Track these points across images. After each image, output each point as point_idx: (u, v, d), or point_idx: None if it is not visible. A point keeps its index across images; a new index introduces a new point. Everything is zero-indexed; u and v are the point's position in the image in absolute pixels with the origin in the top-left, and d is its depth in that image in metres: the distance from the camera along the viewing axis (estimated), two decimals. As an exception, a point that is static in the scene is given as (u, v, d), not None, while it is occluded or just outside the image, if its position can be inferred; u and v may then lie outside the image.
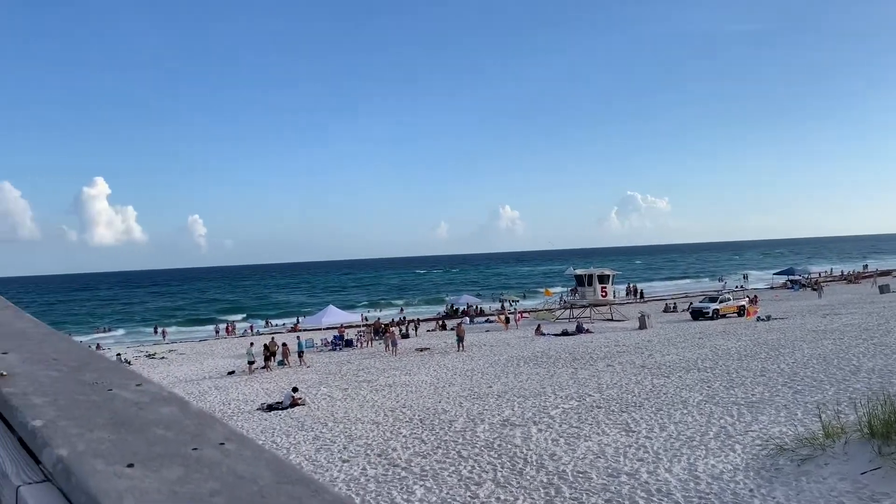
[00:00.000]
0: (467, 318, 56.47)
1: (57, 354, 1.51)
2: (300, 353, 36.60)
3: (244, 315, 78.84)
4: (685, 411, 17.81)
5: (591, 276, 51.60)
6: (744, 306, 46.35)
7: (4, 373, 1.19)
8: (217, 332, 61.36)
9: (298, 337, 41.47)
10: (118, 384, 1.13)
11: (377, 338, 44.22)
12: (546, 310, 56.71)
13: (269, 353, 36.07)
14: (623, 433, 16.25)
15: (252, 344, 39.48)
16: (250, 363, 34.71)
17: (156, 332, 64.73)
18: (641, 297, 71.77)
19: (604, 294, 51.11)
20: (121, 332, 70.33)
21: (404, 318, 60.95)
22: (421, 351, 38.10)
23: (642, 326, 41.85)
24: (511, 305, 65.03)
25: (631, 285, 76.66)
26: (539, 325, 45.34)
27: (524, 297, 76.40)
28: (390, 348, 38.39)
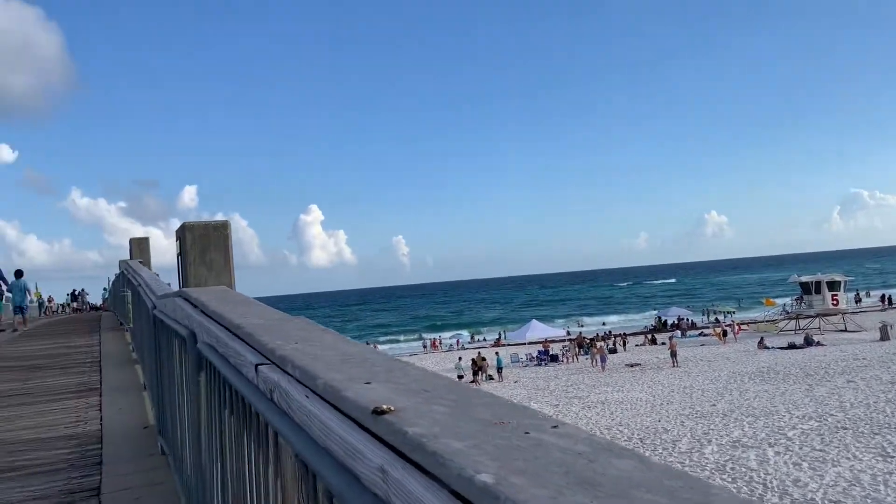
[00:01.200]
0: (678, 332, 53.72)
1: (417, 383, 1.34)
2: (499, 370, 36.73)
3: (453, 332, 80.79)
4: (957, 436, 15.41)
5: (819, 284, 46.99)
6: None
7: (391, 407, 1.01)
8: (425, 346, 63.54)
9: (497, 353, 41.68)
10: (531, 425, 0.90)
11: (582, 352, 43.33)
12: (768, 321, 52.40)
13: (476, 367, 36.56)
14: (879, 458, 14.36)
15: (461, 359, 40.27)
16: (459, 377, 35.36)
17: (368, 347, 68.21)
18: (890, 303, 64.13)
19: (835, 302, 46.31)
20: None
21: (609, 332, 59.31)
22: (631, 366, 36.69)
23: (885, 338, 37.29)
24: (726, 317, 61.00)
25: (886, 294, 68.61)
26: (762, 338, 41.96)
27: (738, 309, 71.37)
28: (598, 363, 37.40)
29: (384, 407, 0.99)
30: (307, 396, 1.54)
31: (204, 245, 5.02)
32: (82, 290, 53.15)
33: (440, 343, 64.03)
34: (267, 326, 2.48)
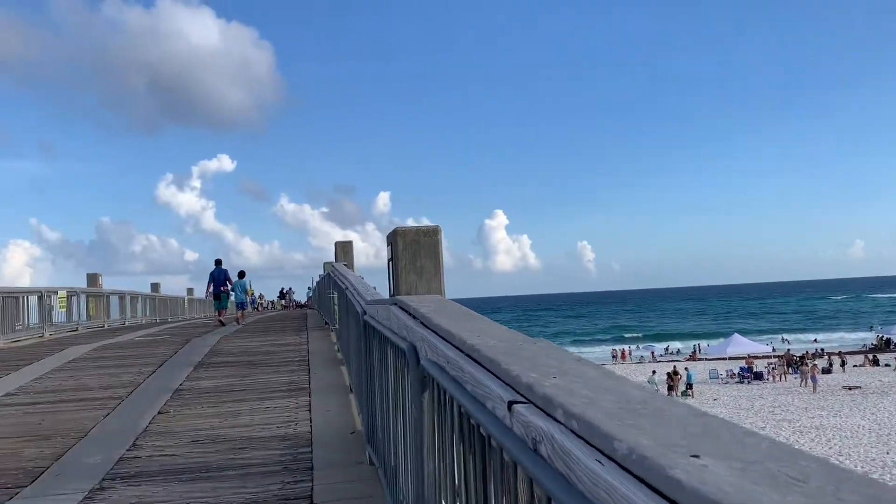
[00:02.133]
0: (905, 353, 47.80)
1: (774, 461, 0.91)
2: (689, 385, 34.53)
3: (644, 343, 77.60)
4: None
5: None
6: None
7: None
8: (613, 356, 61.66)
9: (686, 368, 39.27)
10: None
11: (791, 371, 39.76)
12: None
13: (671, 382, 34.71)
14: None
15: (654, 372, 38.50)
16: (653, 391, 33.74)
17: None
18: None
19: None
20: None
21: (821, 350, 54.07)
22: (850, 389, 33.05)
23: None
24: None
25: None
26: None
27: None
28: (808, 384, 34.09)
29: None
30: (600, 462, 1.14)
31: (414, 251, 4.84)
32: (290, 288, 57.27)
33: (629, 354, 61.88)
34: (507, 350, 2.13)
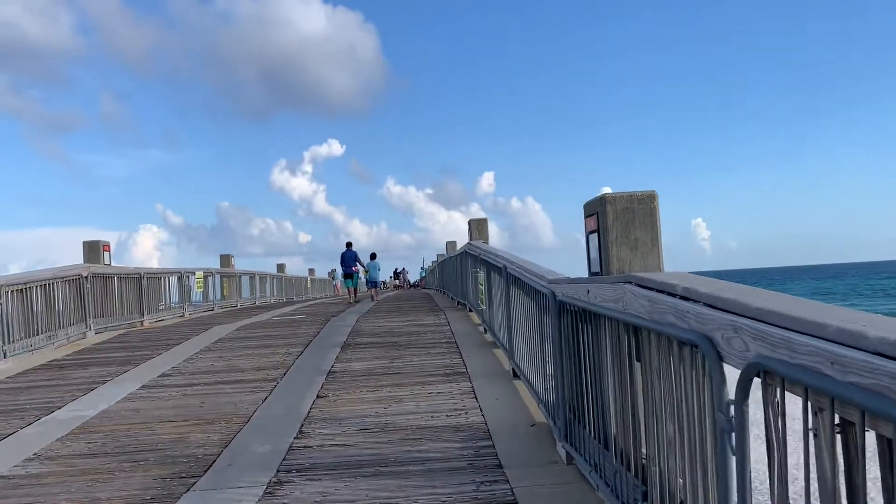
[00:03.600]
0: None
1: None
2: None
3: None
4: None
5: None
6: None
7: None
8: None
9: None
10: None
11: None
12: None
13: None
14: None
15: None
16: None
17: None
18: None
19: None
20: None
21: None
22: None
23: None
24: None
25: None
26: None
27: None
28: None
29: None
30: None
31: (626, 221, 4.15)
32: (403, 268, 57.81)
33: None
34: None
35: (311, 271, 43.04)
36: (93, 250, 14.55)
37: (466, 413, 6.14)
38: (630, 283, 3.34)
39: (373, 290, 22.78)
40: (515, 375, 7.32)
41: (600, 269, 4.27)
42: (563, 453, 4.77)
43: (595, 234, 4.38)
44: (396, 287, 52.05)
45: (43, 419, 6.80)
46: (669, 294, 2.83)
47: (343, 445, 5.39)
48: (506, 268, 7.61)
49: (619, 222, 4.16)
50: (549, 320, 4.97)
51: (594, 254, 4.39)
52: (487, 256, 9.59)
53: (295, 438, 5.65)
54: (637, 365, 3.44)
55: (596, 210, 4.30)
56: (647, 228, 4.15)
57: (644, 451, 3.25)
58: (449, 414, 6.13)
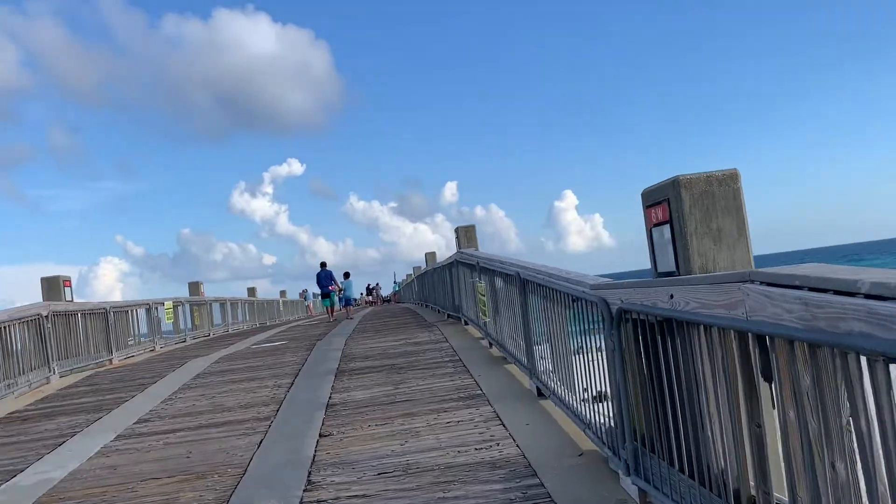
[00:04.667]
0: None
1: None
2: None
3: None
4: None
5: None
6: None
7: None
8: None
9: None
10: None
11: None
12: None
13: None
14: None
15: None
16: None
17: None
18: None
19: None
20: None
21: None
22: None
23: None
24: None
25: None
26: None
27: None
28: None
29: None
30: None
31: (707, 207, 3.43)
32: (377, 284, 56.85)
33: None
34: None
35: (283, 293, 41.92)
36: (52, 287, 13.45)
37: (498, 444, 5.35)
38: (752, 281, 2.60)
39: (348, 307, 23.40)
40: (540, 394, 6.55)
41: (676, 268, 3.53)
42: (632, 490, 4.01)
43: (663, 227, 3.65)
44: (368, 303, 51.11)
45: (3, 486, 5.85)
46: (845, 294, 2.09)
47: (364, 497, 4.56)
48: (519, 275, 6.85)
49: (697, 209, 3.43)
50: (604, 333, 4.22)
51: (665, 249, 3.65)
52: (490, 264, 8.82)
53: (304, 491, 4.81)
54: (764, 385, 2.72)
55: (666, 196, 3.56)
56: (732, 215, 3.43)
57: (772, 490, 2.51)
58: (478, 447, 5.34)
